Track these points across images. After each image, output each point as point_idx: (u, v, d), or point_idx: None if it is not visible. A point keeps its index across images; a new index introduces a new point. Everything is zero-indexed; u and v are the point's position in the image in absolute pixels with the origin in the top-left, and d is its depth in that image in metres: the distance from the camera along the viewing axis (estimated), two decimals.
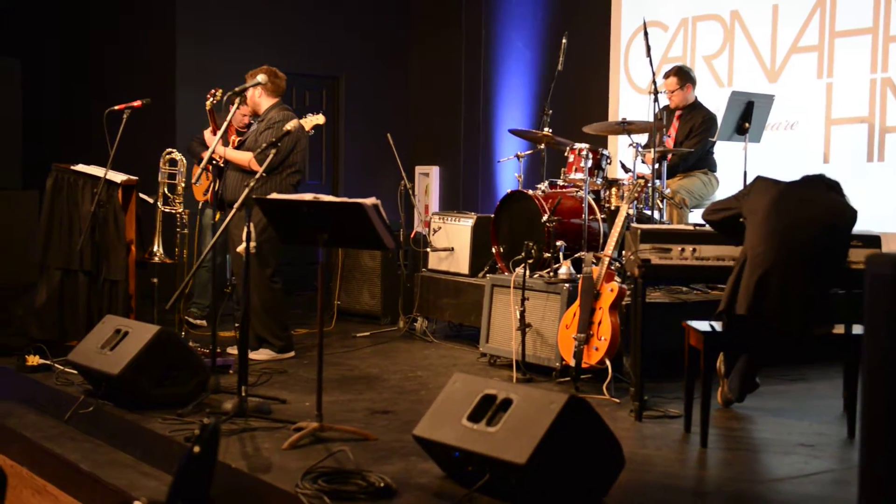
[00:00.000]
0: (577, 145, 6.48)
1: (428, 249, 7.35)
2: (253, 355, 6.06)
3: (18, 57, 10.50)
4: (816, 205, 4.34)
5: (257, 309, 6.06)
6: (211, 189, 7.00)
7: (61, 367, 5.55)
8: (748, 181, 5.23)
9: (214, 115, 6.46)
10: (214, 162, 6.27)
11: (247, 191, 4.71)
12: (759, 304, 4.25)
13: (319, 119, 6.24)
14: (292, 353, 6.19)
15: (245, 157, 6.08)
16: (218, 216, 6.08)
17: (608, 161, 6.55)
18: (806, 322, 4.25)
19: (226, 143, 6.40)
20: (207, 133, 6.54)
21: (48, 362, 5.69)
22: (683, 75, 7.09)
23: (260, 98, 6.21)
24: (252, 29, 9.68)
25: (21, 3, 10.71)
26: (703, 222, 4.82)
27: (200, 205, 7.18)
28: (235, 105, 6.10)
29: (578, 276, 5.60)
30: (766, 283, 4.25)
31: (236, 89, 6.13)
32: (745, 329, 4.34)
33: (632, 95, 8.73)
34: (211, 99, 6.35)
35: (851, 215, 4.39)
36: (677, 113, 7.10)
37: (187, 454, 2.48)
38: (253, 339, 6.13)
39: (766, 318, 4.26)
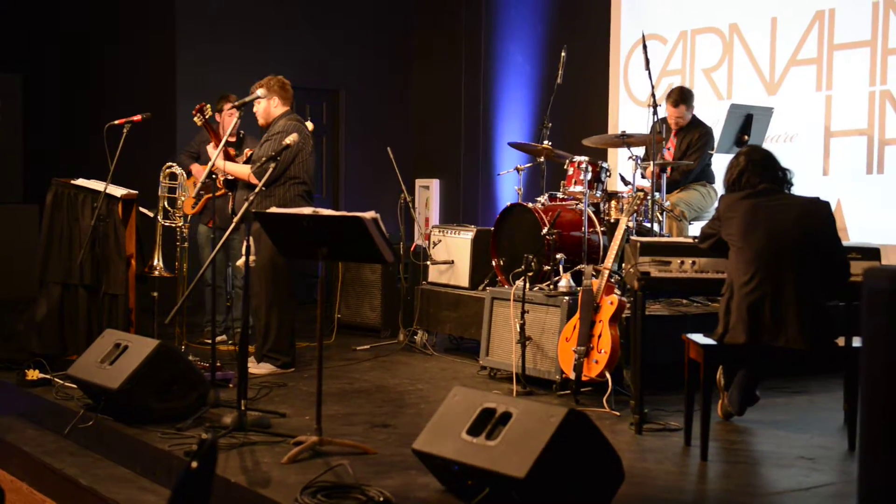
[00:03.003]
0: (577, 158, 6.48)
1: (428, 262, 7.35)
2: (253, 369, 6.06)
3: (20, 72, 10.54)
4: (786, 216, 4.31)
5: (271, 325, 6.07)
6: (201, 203, 7.00)
7: (61, 382, 5.55)
8: None
9: (211, 127, 6.46)
10: (214, 176, 6.28)
11: (245, 205, 4.71)
12: (755, 332, 4.25)
13: (307, 126, 6.25)
14: (292, 370, 6.19)
15: (244, 171, 6.08)
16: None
17: (608, 174, 6.56)
18: (805, 339, 4.23)
19: (227, 157, 6.42)
20: (210, 147, 6.53)
21: (48, 376, 5.69)
22: (687, 99, 7.03)
23: (268, 109, 6.21)
24: (252, 43, 9.71)
25: (23, 19, 10.76)
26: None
27: (189, 218, 7.16)
28: (235, 118, 6.13)
29: (578, 288, 5.60)
30: (758, 310, 4.25)
31: (236, 103, 6.15)
32: (745, 352, 4.33)
33: (631, 108, 8.74)
34: (198, 115, 6.36)
35: (826, 212, 4.39)
36: (674, 128, 7.10)
37: (185, 469, 2.47)
38: (256, 353, 6.14)
39: (764, 341, 4.25)
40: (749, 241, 4.31)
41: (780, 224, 4.30)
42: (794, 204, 4.38)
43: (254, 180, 5.84)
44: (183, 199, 6.74)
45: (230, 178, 6.20)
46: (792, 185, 4.48)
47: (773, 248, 4.27)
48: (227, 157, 6.30)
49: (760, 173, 4.41)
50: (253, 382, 5.51)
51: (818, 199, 4.46)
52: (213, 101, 6.69)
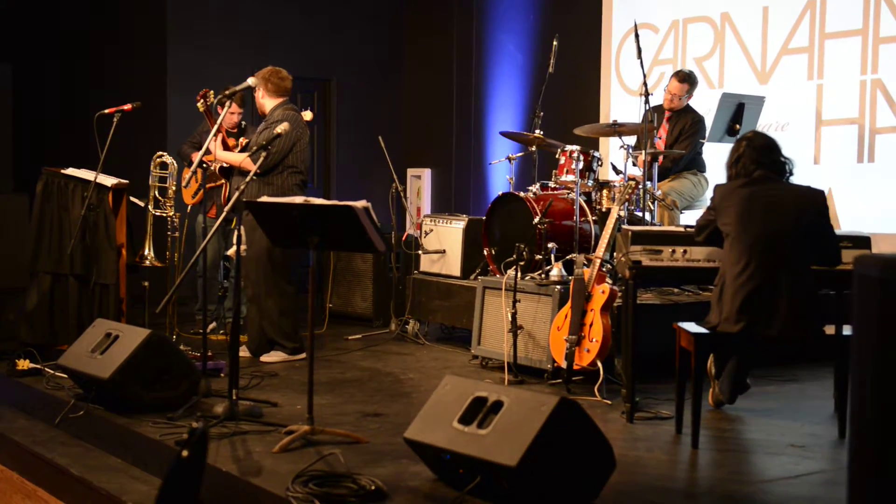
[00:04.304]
0: (568, 147, 6.48)
1: (419, 252, 7.35)
2: (265, 357, 6.13)
3: (10, 61, 10.47)
4: (782, 205, 4.31)
5: (272, 312, 6.09)
6: (200, 192, 6.98)
7: (51, 371, 5.54)
8: None
9: (211, 115, 6.44)
10: (205, 165, 6.26)
11: (237, 194, 4.70)
12: (747, 321, 4.25)
13: (307, 115, 6.24)
14: (304, 355, 6.18)
15: (237, 159, 6.08)
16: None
17: (599, 163, 6.55)
18: (796, 330, 4.23)
19: (226, 147, 6.40)
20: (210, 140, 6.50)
21: (38, 366, 5.68)
22: (693, 83, 7.04)
23: (263, 99, 6.22)
24: (243, 31, 9.67)
25: (12, 8, 10.69)
26: (693, 224, 4.83)
27: (189, 209, 7.14)
28: (226, 107, 6.10)
29: (570, 277, 5.61)
30: (750, 300, 4.25)
31: (227, 92, 6.13)
32: (735, 339, 4.34)
33: (623, 97, 8.74)
34: (202, 101, 6.33)
35: (820, 201, 4.38)
36: (666, 115, 7.10)
37: (176, 458, 2.47)
38: (264, 342, 6.16)
39: (757, 331, 4.26)
40: (744, 231, 4.30)
41: (775, 213, 4.29)
42: (790, 193, 4.37)
43: (251, 167, 5.85)
44: (173, 188, 6.72)
45: (225, 166, 6.20)
46: (791, 174, 4.47)
47: (767, 238, 4.27)
48: (226, 147, 6.27)
49: (757, 160, 4.40)
50: (244, 372, 5.51)
51: (813, 188, 4.46)
52: (208, 89, 6.65)
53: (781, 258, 4.26)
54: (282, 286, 6.11)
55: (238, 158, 6.08)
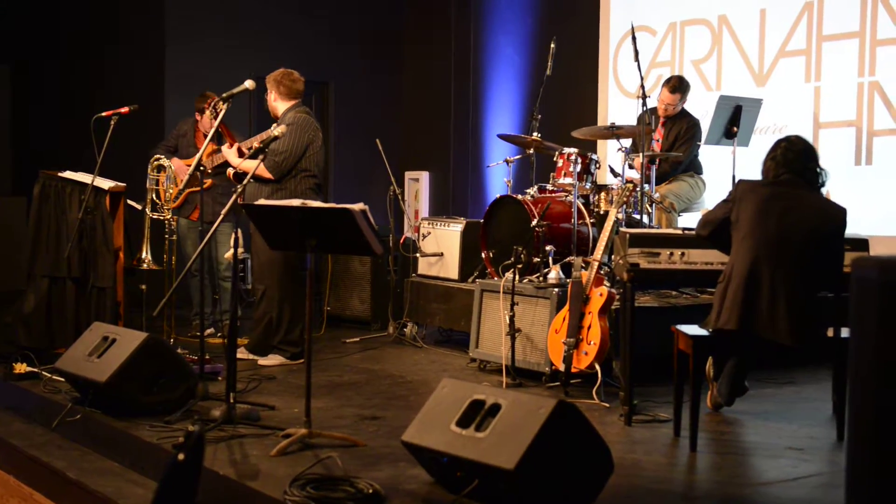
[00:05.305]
0: (566, 150, 6.48)
1: (417, 255, 7.35)
2: (263, 361, 6.14)
3: (7, 63, 10.49)
4: (801, 211, 4.30)
5: (283, 318, 6.10)
6: (182, 197, 6.96)
7: (49, 375, 5.52)
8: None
9: (224, 124, 6.44)
10: (203, 168, 6.25)
11: (234, 197, 4.69)
12: (747, 320, 4.25)
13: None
14: (302, 360, 6.17)
15: (236, 162, 6.07)
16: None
17: (597, 165, 6.55)
18: (797, 334, 4.23)
19: (240, 154, 6.40)
20: (225, 147, 6.46)
21: (36, 370, 5.66)
22: (685, 89, 7.03)
23: (276, 102, 6.21)
24: (241, 34, 9.67)
25: (11, 10, 10.69)
26: (691, 227, 4.82)
27: (171, 213, 7.11)
28: (223, 110, 6.09)
29: (568, 280, 5.60)
30: (752, 299, 4.24)
31: (224, 95, 6.12)
32: (735, 339, 4.33)
33: (620, 100, 8.74)
34: (210, 109, 6.32)
35: (838, 217, 4.36)
36: (661, 119, 7.10)
37: (172, 461, 2.47)
38: (264, 343, 6.17)
39: (757, 331, 4.25)
40: (756, 228, 4.28)
41: (791, 218, 4.27)
42: (813, 202, 4.35)
43: (265, 174, 5.88)
44: (171, 191, 6.71)
45: (239, 171, 6.19)
46: (821, 185, 4.45)
47: (778, 241, 4.25)
48: (240, 153, 6.26)
49: (788, 163, 4.39)
50: (242, 375, 5.50)
51: (837, 204, 4.44)
52: (202, 92, 6.63)
53: (788, 264, 4.24)
54: (296, 292, 6.09)
55: (235, 162, 6.06)
